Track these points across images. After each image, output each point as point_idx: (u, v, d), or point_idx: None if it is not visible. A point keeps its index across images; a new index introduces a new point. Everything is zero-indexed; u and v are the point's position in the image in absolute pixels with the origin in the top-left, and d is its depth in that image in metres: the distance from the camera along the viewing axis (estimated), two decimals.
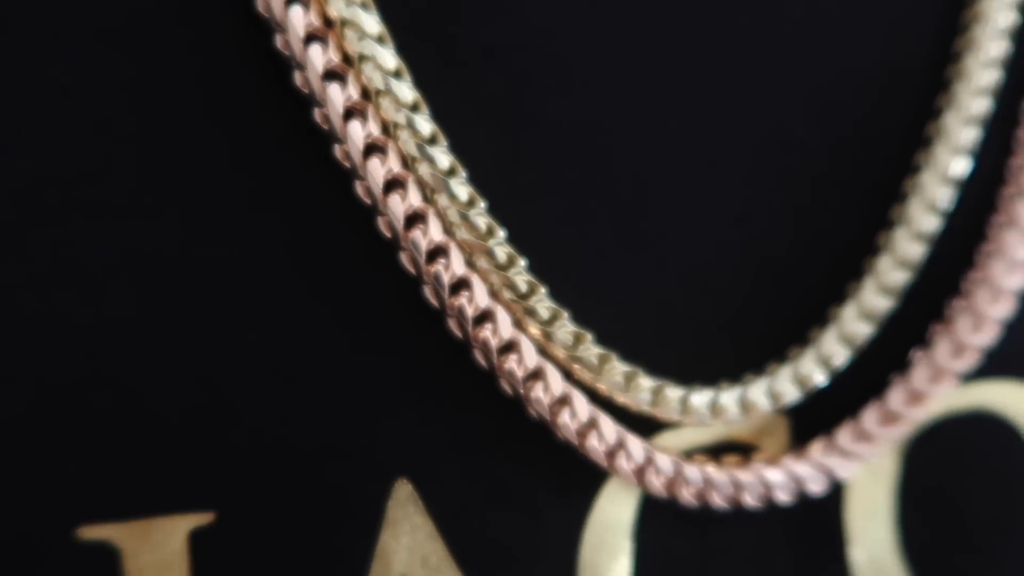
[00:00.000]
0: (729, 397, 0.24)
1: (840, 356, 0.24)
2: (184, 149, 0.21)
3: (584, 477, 0.23)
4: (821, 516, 0.25)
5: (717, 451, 0.25)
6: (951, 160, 0.25)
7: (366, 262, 0.22)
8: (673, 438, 0.24)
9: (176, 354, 0.21)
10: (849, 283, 0.25)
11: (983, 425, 0.26)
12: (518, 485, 0.23)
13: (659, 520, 0.24)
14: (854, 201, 0.25)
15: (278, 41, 0.21)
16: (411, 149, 0.22)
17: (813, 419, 0.25)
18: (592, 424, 0.23)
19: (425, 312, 0.22)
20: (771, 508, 0.25)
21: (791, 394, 0.24)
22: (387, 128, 0.22)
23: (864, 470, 0.25)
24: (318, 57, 0.21)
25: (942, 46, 0.25)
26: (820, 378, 0.24)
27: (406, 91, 0.22)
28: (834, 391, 0.25)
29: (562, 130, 0.23)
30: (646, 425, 0.24)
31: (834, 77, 0.24)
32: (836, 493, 0.25)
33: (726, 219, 0.24)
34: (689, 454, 0.24)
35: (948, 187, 0.25)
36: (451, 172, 0.22)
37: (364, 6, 0.21)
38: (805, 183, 0.24)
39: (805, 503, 0.25)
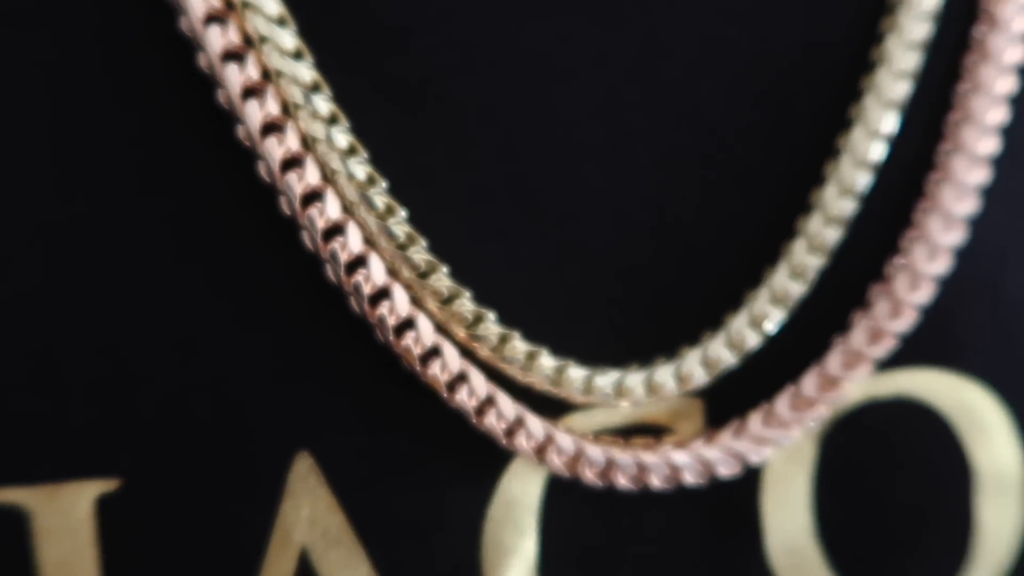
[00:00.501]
0: (635, 378, 0.24)
1: (752, 340, 0.24)
2: (92, 128, 0.22)
3: (489, 454, 0.24)
4: (737, 501, 0.25)
5: (632, 433, 0.25)
6: (870, 144, 0.24)
7: (270, 240, 0.23)
8: (584, 419, 0.24)
9: (84, 325, 0.22)
10: (764, 268, 0.25)
11: (906, 412, 0.25)
12: (421, 460, 0.23)
13: (567, 501, 0.24)
14: (771, 185, 0.25)
15: (182, 23, 0.22)
16: (312, 129, 0.22)
17: (729, 403, 0.25)
18: (490, 401, 0.23)
19: (330, 289, 0.23)
20: (685, 492, 0.25)
21: (700, 377, 0.24)
22: (287, 108, 0.22)
23: (782, 456, 0.25)
24: (217, 39, 0.22)
25: (865, 27, 0.25)
26: (730, 361, 0.24)
27: (305, 72, 0.22)
28: (753, 376, 0.25)
29: (466, 110, 0.23)
30: (560, 407, 0.24)
31: (751, 57, 0.24)
32: (753, 478, 0.25)
33: (637, 201, 0.24)
34: (600, 435, 0.24)
35: (866, 172, 0.24)
36: (351, 151, 0.22)
37: None
38: (720, 165, 0.24)
39: (721, 488, 0.25)
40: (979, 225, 0.25)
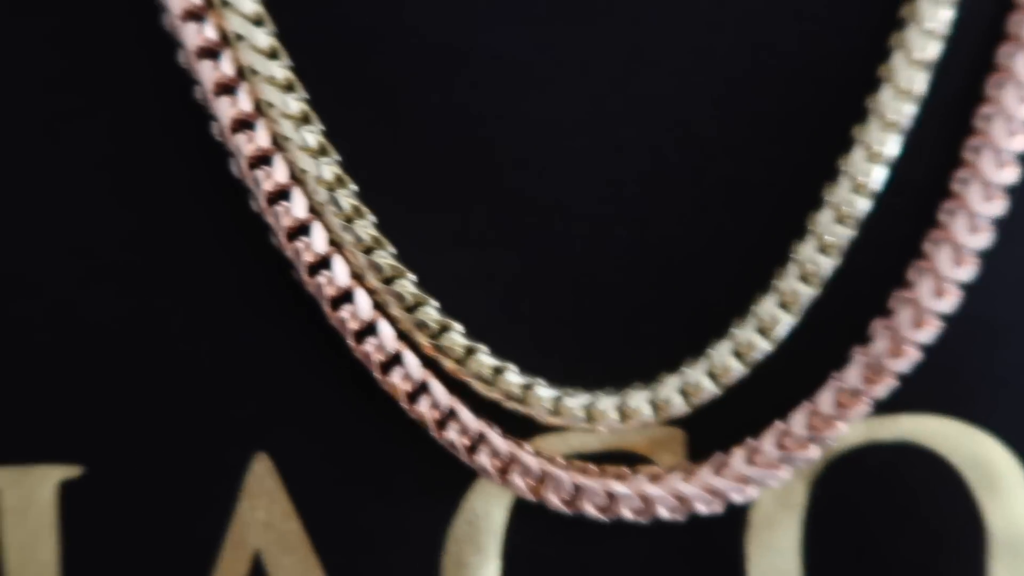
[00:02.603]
0: (608, 402, 0.23)
1: (735, 370, 0.23)
2: (65, 121, 0.23)
3: (455, 470, 0.23)
4: (719, 540, 0.24)
5: (607, 460, 0.24)
6: (872, 167, 0.23)
7: (237, 240, 0.23)
8: (558, 442, 0.23)
9: (51, 312, 0.22)
10: (752, 294, 0.23)
11: (911, 460, 0.24)
12: (383, 471, 0.23)
13: (535, 525, 0.23)
14: (764, 204, 0.23)
15: (164, 20, 0.22)
16: (283, 128, 0.22)
17: (714, 436, 0.23)
18: (452, 415, 0.22)
19: (298, 291, 0.23)
20: (663, 526, 0.23)
21: (678, 405, 0.23)
22: (260, 107, 0.22)
23: (771, 496, 0.24)
24: (194, 36, 0.22)
25: (873, 42, 0.23)
26: (711, 391, 0.23)
27: (278, 70, 0.22)
28: (741, 408, 0.23)
29: (441, 116, 0.23)
30: (532, 429, 0.23)
31: (746, 67, 0.23)
32: (739, 518, 0.24)
33: (619, 215, 0.23)
34: (571, 459, 0.23)
35: (867, 197, 0.23)
36: (321, 152, 0.22)
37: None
38: (709, 181, 0.23)
39: (702, 524, 0.23)
40: (995, 261, 0.23)
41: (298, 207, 0.22)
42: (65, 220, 0.22)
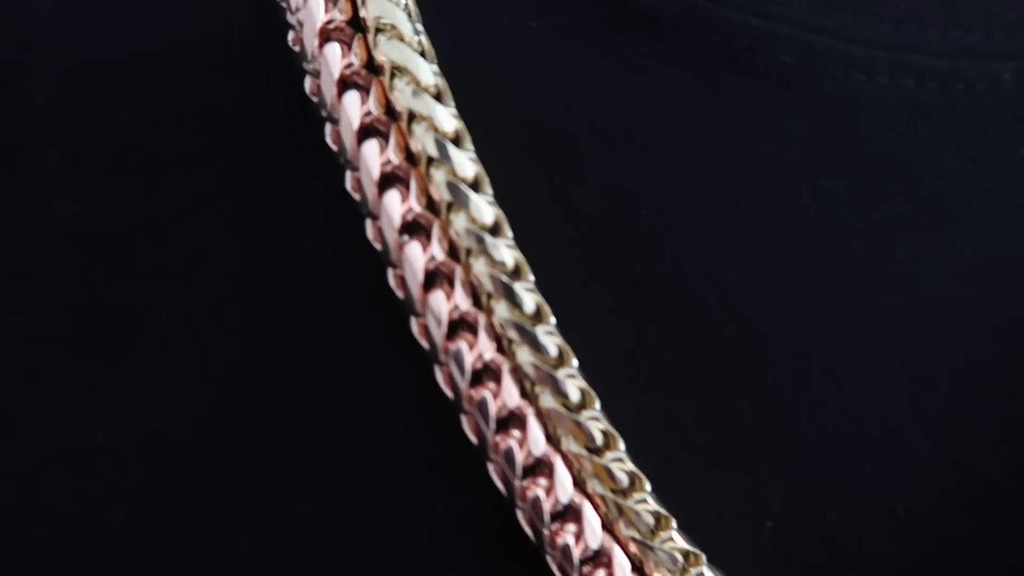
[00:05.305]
0: None
1: None
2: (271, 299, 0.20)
3: None
4: None
5: None
6: None
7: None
8: None
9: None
10: None
11: None
12: None
13: None
14: None
15: (348, 181, 0.19)
16: (507, 325, 0.18)
17: None
18: None
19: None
20: None
21: None
22: (479, 300, 0.18)
23: None
24: (396, 208, 0.19)
25: None
26: None
27: (506, 251, 0.18)
28: None
29: (699, 300, 0.19)
30: None
31: None
32: None
33: (921, 427, 0.19)
34: None
35: None
36: (560, 361, 0.18)
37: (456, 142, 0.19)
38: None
39: None
40: None
41: (509, 393, 0.18)
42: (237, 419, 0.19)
